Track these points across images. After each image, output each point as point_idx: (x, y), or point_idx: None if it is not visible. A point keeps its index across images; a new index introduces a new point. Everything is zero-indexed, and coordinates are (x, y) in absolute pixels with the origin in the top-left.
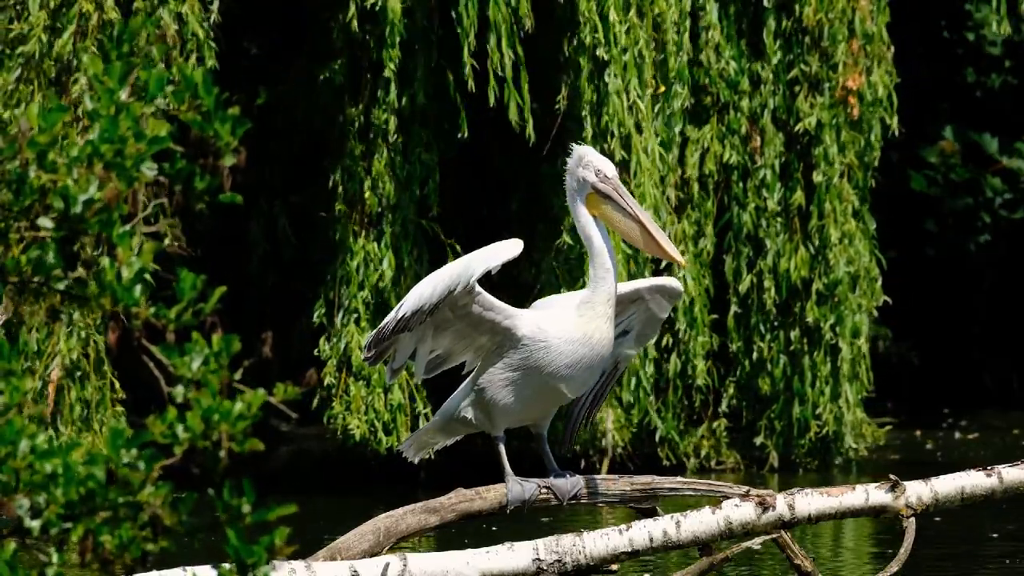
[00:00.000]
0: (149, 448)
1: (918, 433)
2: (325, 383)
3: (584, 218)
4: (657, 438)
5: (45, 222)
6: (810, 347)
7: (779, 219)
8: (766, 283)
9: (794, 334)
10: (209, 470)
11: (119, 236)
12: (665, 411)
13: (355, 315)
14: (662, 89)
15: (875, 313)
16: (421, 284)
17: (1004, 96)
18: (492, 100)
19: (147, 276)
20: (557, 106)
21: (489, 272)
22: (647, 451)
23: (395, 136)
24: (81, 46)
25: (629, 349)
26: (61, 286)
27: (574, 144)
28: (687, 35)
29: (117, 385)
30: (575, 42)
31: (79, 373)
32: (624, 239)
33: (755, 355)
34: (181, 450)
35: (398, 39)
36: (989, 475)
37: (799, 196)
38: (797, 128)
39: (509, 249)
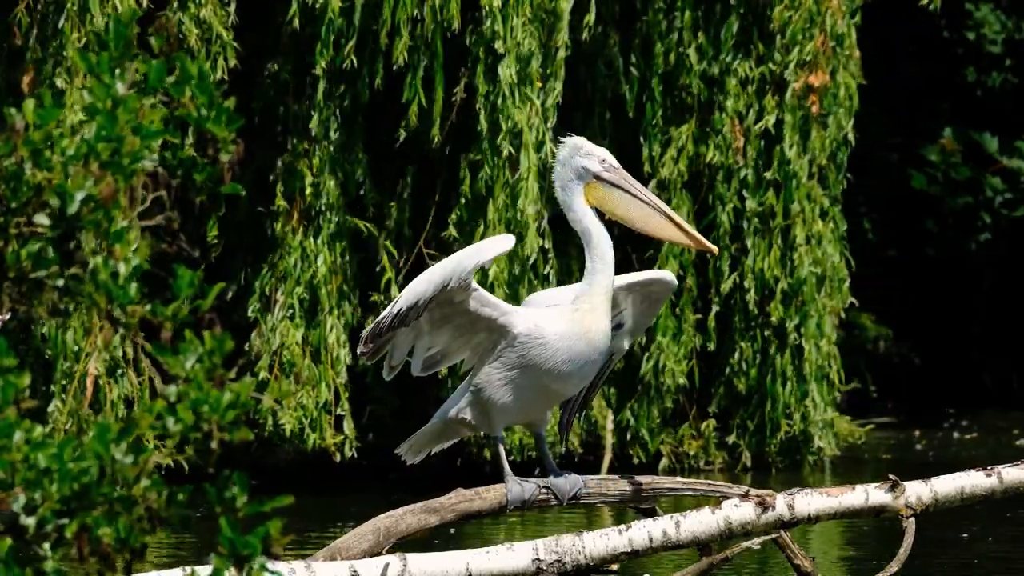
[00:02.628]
0: (139, 443)
1: (917, 433)
2: (260, 377)
3: (582, 209)
4: (644, 438)
5: (41, 219)
6: (780, 347)
7: (755, 219)
8: (746, 283)
9: (767, 334)
10: (202, 462)
11: (116, 233)
12: (651, 411)
13: (290, 311)
14: (539, 85)
15: (843, 314)
16: (417, 280)
17: (1004, 95)
18: (405, 96)
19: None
20: (454, 98)
21: (483, 267)
22: (628, 452)
23: (335, 134)
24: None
25: (623, 342)
26: (60, 283)
27: (563, 137)
28: (565, 32)
29: (158, 382)
30: (473, 36)
31: (120, 370)
32: (632, 228)
33: (734, 355)
34: (173, 443)
35: (331, 39)
36: (989, 475)
37: (771, 196)
38: (759, 125)
39: (501, 244)
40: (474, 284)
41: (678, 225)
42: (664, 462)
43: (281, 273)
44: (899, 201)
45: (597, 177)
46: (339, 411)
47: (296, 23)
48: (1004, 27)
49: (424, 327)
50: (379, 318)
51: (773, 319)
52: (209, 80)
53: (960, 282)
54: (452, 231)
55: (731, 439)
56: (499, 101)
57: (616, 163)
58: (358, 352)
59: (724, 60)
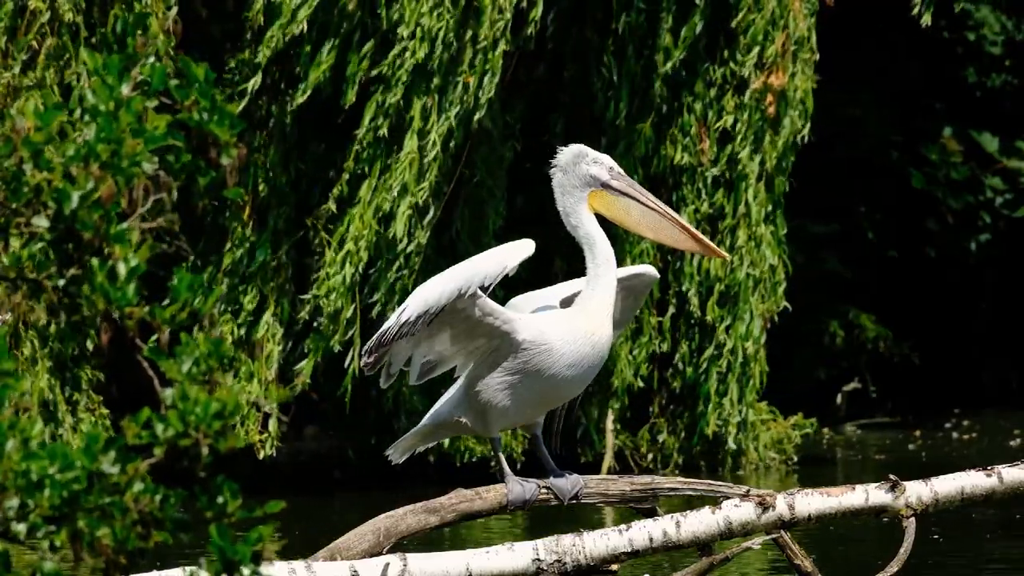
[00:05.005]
0: (127, 452)
1: (917, 433)
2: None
3: (586, 214)
4: (624, 440)
5: (40, 220)
6: (712, 348)
7: (705, 222)
8: (691, 284)
9: (698, 335)
10: (192, 469)
11: (115, 235)
12: (605, 411)
13: (236, 306)
14: (470, 79)
15: (776, 318)
16: (425, 287)
17: (1004, 95)
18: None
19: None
20: (358, 77)
21: (507, 275)
22: (574, 451)
23: (290, 130)
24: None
25: None
26: (61, 284)
27: (564, 146)
28: (508, 27)
29: (92, 394)
30: (373, 17)
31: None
32: (639, 235)
33: (675, 356)
34: (162, 450)
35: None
36: (989, 475)
37: (721, 196)
38: (718, 125)
39: (523, 250)
40: (479, 291)
41: (688, 232)
42: (606, 462)
43: (228, 267)
44: (899, 201)
45: (605, 185)
46: (267, 409)
47: (260, 18)
48: (1004, 28)
49: (421, 335)
50: (383, 328)
51: (708, 319)
52: (211, 83)
53: (960, 282)
54: (331, 206)
55: (663, 438)
56: (396, 84)
57: (620, 170)
58: (361, 364)
59: (689, 60)
